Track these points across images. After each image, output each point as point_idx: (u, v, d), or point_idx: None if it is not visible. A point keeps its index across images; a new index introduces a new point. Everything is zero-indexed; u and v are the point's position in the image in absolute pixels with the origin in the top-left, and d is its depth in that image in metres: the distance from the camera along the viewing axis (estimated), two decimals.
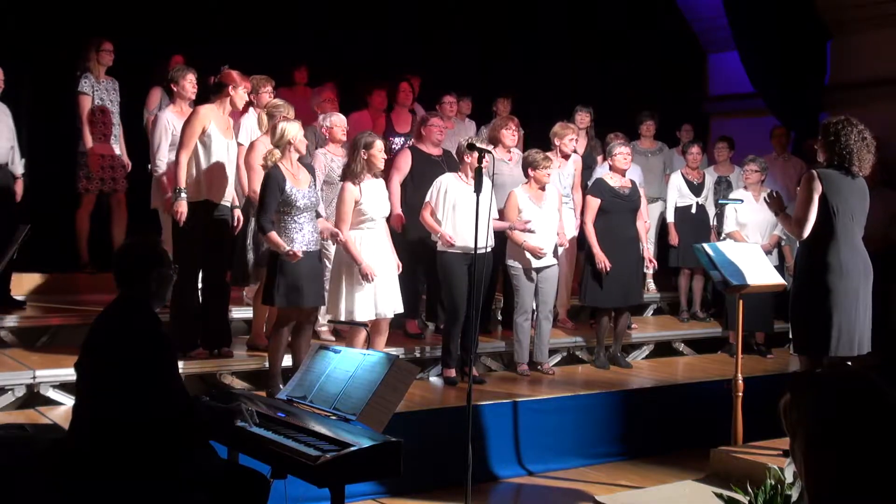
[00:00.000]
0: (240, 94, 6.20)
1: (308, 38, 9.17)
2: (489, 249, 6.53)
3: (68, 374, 4.07)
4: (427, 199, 6.67)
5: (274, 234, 5.75)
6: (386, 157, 6.25)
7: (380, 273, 6.09)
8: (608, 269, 7.31)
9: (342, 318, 6.13)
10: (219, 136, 6.13)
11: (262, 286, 6.34)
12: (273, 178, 5.74)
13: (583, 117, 8.73)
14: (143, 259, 3.80)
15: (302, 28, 9.17)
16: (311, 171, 6.14)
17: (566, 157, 7.89)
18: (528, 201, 6.97)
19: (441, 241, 6.61)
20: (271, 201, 5.72)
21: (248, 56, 7.88)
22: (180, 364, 4.85)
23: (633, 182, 7.64)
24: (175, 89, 6.78)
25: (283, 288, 5.77)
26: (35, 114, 7.83)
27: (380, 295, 6.12)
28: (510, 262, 7.06)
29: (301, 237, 5.80)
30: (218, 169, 6.14)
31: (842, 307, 5.15)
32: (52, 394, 5.80)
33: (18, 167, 6.88)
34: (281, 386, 5.81)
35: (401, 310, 6.32)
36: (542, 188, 7.05)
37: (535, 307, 7.20)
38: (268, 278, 5.90)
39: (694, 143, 9.07)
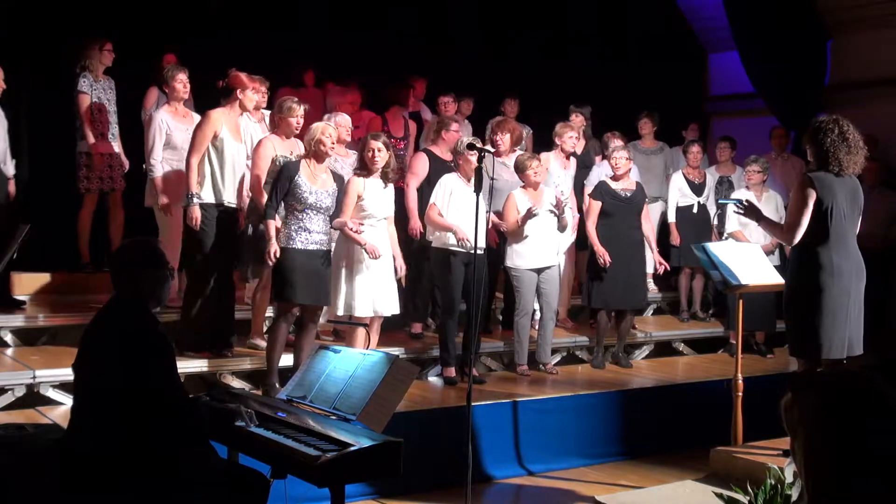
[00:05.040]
0: (248, 97, 6.21)
1: (311, 38, 9.16)
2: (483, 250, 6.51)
3: (68, 373, 4.08)
4: (432, 199, 6.67)
5: (272, 224, 5.82)
6: (378, 158, 6.17)
7: (376, 272, 6.11)
8: (608, 263, 7.31)
9: (340, 313, 6.17)
10: (230, 140, 6.14)
11: (260, 284, 6.37)
12: (285, 168, 5.85)
13: (577, 117, 8.72)
14: (139, 260, 3.80)
15: (305, 28, 9.16)
16: (339, 181, 6.10)
17: (569, 156, 7.88)
18: (527, 202, 6.97)
19: (457, 238, 6.54)
20: (279, 191, 5.82)
21: (247, 56, 7.87)
22: (180, 364, 4.85)
23: (638, 184, 7.63)
24: (167, 90, 6.77)
25: (278, 283, 5.85)
26: (34, 113, 7.83)
27: (377, 293, 6.14)
28: (511, 263, 7.06)
29: (300, 235, 5.82)
30: (230, 172, 6.16)
31: (833, 308, 5.14)
32: (52, 393, 5.80)
33: (10, 167, 6.89)
34: (276, 384, 5.84)
35: (397, 311, 6.32)
36: (536, 189, 7.05)
37: (537, 307, 7.20)
38: (272, 274, 5.98)
39: (694, 142, 9.06)
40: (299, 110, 6.32)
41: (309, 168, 5.88)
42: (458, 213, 6.58)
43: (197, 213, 6.05)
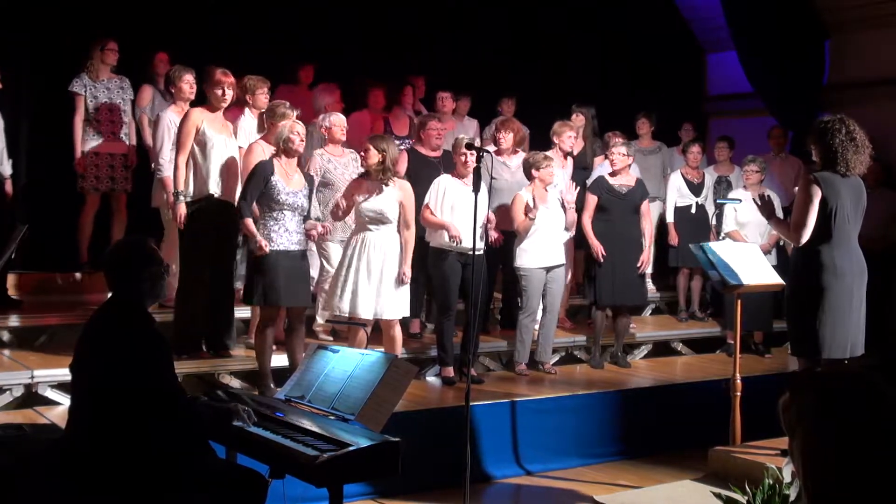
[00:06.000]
0: (216, 95, 6.16)
1: (307, 38, 9.16)
2: (482, 250, 6.52)
3: (66, 373, 4.08)
4: (426, 200, 6.66)
5: (250, 221, 5.80)
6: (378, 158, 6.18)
7: (376, 276, 6.10)
8: (603, 256, 7.33)
9: (345, 314, 6.16)
10: (214, 134, 6.13)
11: None
12: (260, 167, 5.81)
13: (577, 117, 8.72)
14: (133, 259, 3.79)
15: (302, 28, 9.15)
16: (311, 181, 6.12)
17: (566, 155, 7.89)
18: (535, 202, 6.97)
19: (449, 235, 6.55)
20: (253, 189, 5.80)
21: (240, 54, 7.87)
22: (178, 364, 4.85)
23: (638, 181, 7.63)
24: (174, 91, 6.78)
25: (261, 287, 5.79)
26: (33, 113, 7.82)
27: (382, 296, 6.12)
28: (520, 263, 7.04)
29: (280, 236, 5.81)
30: (219, 165, 6.15)
31: (836, 308, 5.15)
32: (51, 394, 5.79)
33: (7, 168, 6.89)
34: (272, 385, 5.83)
35: (399, 315, 6.27)
36: (546, 188, 7.06)
37: (540, 307, 7.20)
38: (247, 277, 5.94)
39: (694, 142, 9.05)
40: (292, 116, 6.32)
41: (282, 167, 5.85)
42: (452, 212, 6.58)
43: (182, 209, 6.05)
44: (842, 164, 5.13)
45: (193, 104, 6.62)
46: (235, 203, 6.22)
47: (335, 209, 6.34)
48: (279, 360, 6.09)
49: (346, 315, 6.13)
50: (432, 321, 7.53)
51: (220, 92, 6.15)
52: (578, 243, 7.97)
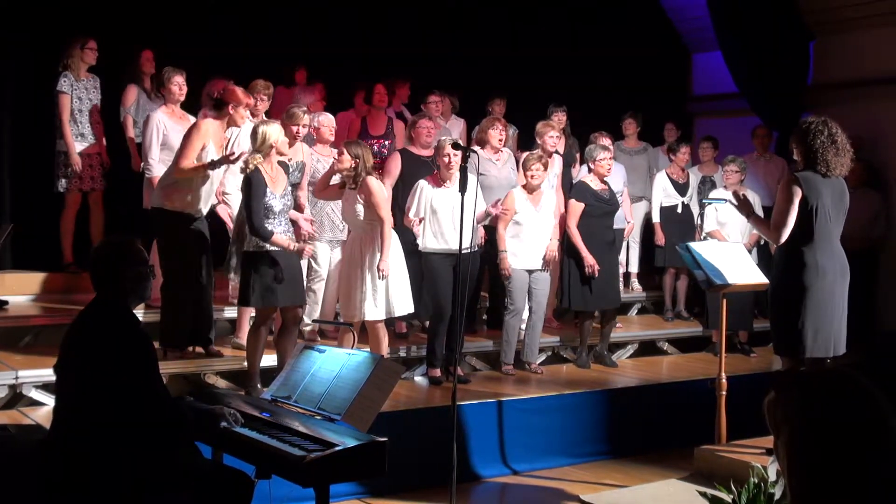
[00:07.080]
0: (241, 113, 6.13)
1: (305, 35, 9.14)
2: (475, 249, 6.55)
3: (51, 374, 4.06)
4: (406, 206, 6.69)
5: (278, 237, 5.75)
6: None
7: (368, 276, 6.18)
8: (597, 271, 7.27)
9: (382, 316, 6.25)
10: (213, 153, 6.09)
11: None
12: (256, 182, 5.72)
13: (559, 117, 8.72)
14: (117, 259, 3.77)
15: (302, 26, 9.13)
16: (287, 169, 6.12)
17: (549, 155, 7.89)
18: (525, 202, 6.97)
19: (413, 227, 6.59)
20: (258, 205, 5.69)
21: (231, 53, 7.84)
22: (164, 364, 4.84)
23: (607, 183, 7.64)
24: (164, 92, 6.74)
25: (259, 289, 5.77)
26: (18, 112, 7.78)
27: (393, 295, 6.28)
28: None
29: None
30: (208, 184, 6.10)
31: (818, 307, 5.18)
32: (35, 394, 5.77)
33: None
34: (259, 385, 5.82)
35: (379, 317, 6.29)
36: (538, 189, 7.06)
37: (526, 307, 7.20)
38: (243, 280, 5.89)
39: (682, 143, 9.07)
40: (303, 119, 6.31)
41: (269, 175, 5.81)
42: (434, 215, 6.59)
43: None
44: (822, 164, 5.16)
45: (183, 106, 6.60)
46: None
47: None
48: (267, 359, 6.08)
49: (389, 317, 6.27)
50: (418, 321, 7.54)
51: (244, 111, 6.13)
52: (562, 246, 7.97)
